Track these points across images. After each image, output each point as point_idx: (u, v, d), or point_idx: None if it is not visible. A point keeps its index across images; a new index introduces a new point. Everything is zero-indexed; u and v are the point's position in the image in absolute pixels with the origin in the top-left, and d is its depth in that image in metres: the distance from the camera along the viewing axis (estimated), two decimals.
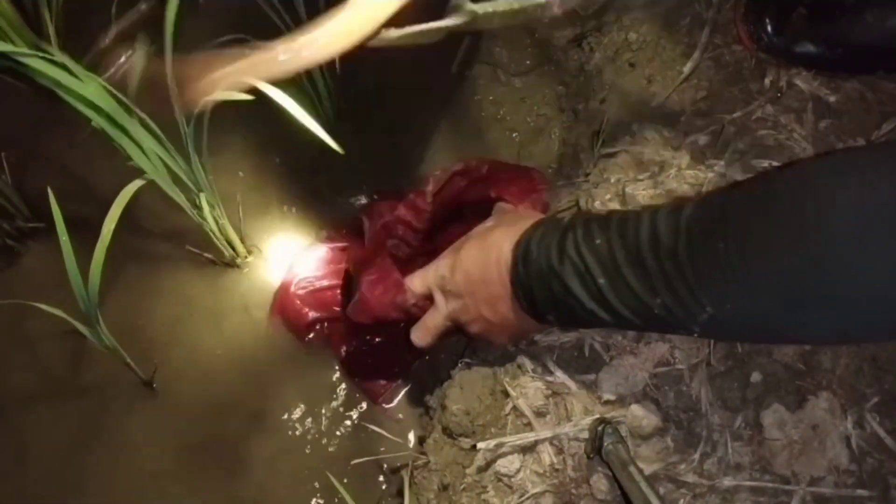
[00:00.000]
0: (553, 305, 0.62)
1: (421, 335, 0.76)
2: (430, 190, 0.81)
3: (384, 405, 0.91)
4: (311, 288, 0.94)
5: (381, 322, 0.78)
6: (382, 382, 0.91)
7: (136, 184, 0.76)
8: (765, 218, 0.48)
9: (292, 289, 0.94)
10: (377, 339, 0.90)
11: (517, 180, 0.84)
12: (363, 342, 0.91)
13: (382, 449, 0.87)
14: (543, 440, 0.67)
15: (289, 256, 0.98)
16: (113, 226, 0.73)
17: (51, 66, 0.69)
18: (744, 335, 0.59)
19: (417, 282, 0.75)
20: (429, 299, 0.74)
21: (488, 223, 0.73)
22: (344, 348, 0.92)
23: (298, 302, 0.93)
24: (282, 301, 0.95)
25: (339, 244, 0.97)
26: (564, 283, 0.59)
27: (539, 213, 0.81)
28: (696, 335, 0.56)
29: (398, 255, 0.84)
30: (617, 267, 0.56)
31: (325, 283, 0.94)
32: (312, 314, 0.93)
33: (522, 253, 0.63)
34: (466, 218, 0.83)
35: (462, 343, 0.88)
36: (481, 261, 0.67)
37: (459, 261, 0.69)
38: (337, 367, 0.93)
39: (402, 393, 0.92)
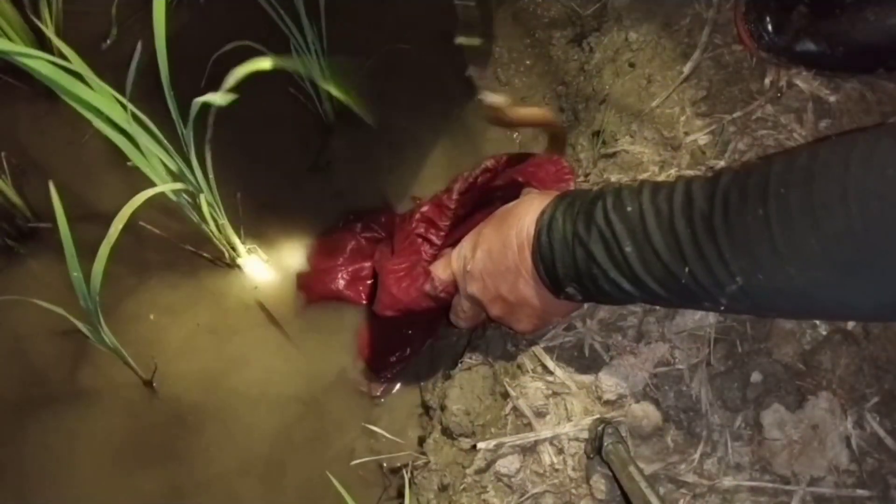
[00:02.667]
0: (575, 276, 0.60)
1: (455, 319, 0.77)
2: (458, 188, 0.80)
3: (386, 380, 0.91)
4: (349, 277, 0.94)
5: (413, 313, 0.78)
6: (392, 359, 0.91)
7: (150, 191, 0.76)
8: (808, 182, 0.46)
9: (332, 276, 0.94)
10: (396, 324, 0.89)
11: (545, 166, 0.83)
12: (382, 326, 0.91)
13: (382, 449, 0.87)
14: (543, 440, 0.67)
15: (317, 241, 0.99)
16: (121, 226, 0.73)
17: (50, 67, 0.68)
18: (773, 307, 0.56)
19: (441, 268, 0.74)
20: (454, 284, 0.74)
21: (513, 203, 0.72)
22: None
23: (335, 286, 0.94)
24: (317, 284, 0.95)
25: (371, 234, 0.97)
26: (588, 251, 0.57)
27: None
28: (722, 308, 0.54)
29: (423, 256, 0.84)
30: (646, 233, 0.54)
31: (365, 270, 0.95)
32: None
33: (547, 220, 0.61)
34: (494, 205, 0.81)
35: (462, 343, 0.88)
36: (502, 234, 0.66)
37: (481, 238, 0.68)
38: (338, 366, 0.93)
39: (401, 389, 0.92)
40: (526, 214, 0.64)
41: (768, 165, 0.50)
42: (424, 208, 0.82)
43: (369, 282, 0.95)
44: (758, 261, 0.48)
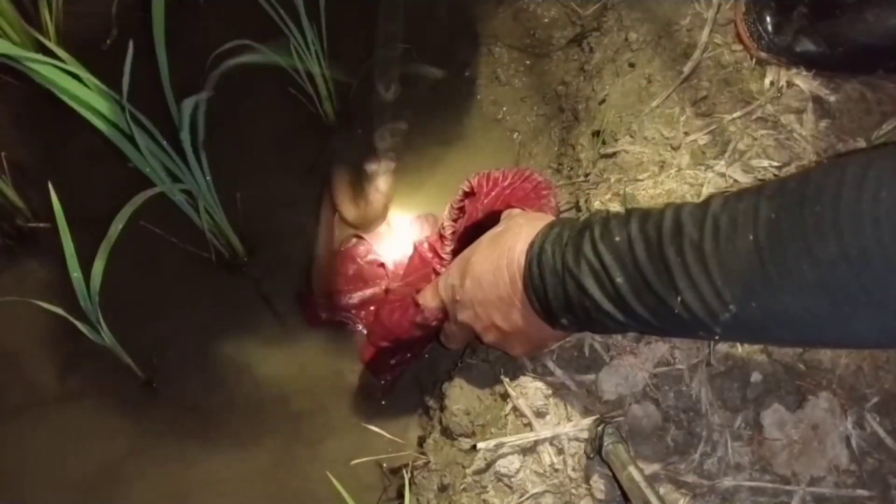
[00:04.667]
0: (568, 308, 0.59)
1: (445, 342, 0.76)
2: (448, 214, 0.81)
3: (387, 383, 0.91)
4: (349, 303, 0.95)
5: (405, 342, 0.79)
6: (392, 362, 0.91)
7: (149, 191, 0.76)
8: (799, 208, 0.45)
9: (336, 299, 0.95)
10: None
11: (520, 185, 0.82)
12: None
13: (382, 449, 0.87)
14: (543, 440, 0.67)
15: (323, 262, 0.99)
16: (120, 226, 0.73)
17: (50, 68, 0.69)
18: (771, 336, 0.55)
19: (429, 297, 0.73)
20: (444, 310, 0.73)
21: (498, 228, 0.70)
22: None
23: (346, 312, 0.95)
24: (317, 308, 0.95)
25: (374, 258, 0.97)
26: (580, 283, 0.56)
27: (551, 215, 0.77)
28: (717, 338, 0.53)
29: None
30: (636, 263, 0.53)
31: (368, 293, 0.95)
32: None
33: (537, 253, 0.60)
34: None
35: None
36: (492, 264, 0.64)
37: (469, 268, 0.67)
38: (338, 366, 0.93)
39: (401, 390, 0.92)
40: (516, 244, 0.63)
41: (758, 191, 0.49)
42: (432, 237, 0.84)
43: (371, 307, 0.95)
44: (751, 289, 0.47)
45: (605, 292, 0.55)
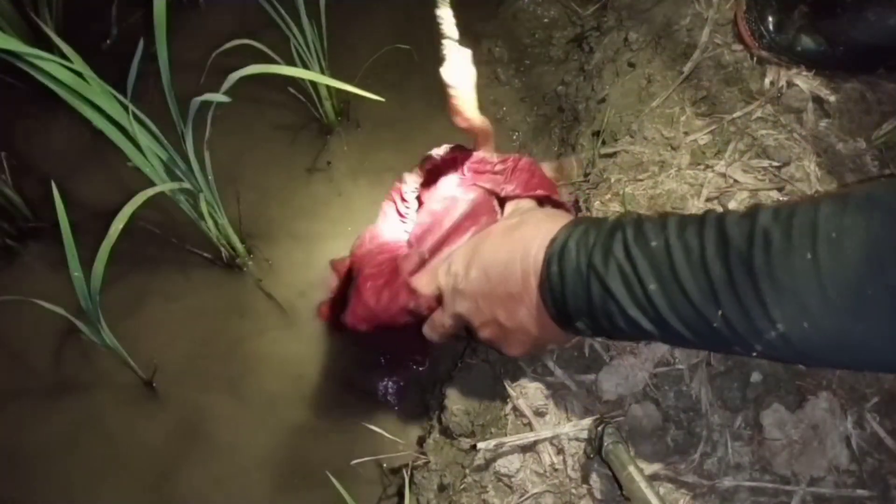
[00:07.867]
0: (587, 311, 0.56)
1: (430, 333, 0.71)
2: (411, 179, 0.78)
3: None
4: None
5: (387, 328, 0.73)
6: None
7: (150, 191, 0.76)
8: (865, 225, 0.42)
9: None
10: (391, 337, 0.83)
11: (526, 171, 0.76)
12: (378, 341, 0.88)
13: (382, 449, 0.87)
14: (543, 440, 0.67)
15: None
16: (121, 226, 0.73)
17: (52, 66, 0.69)
18: (822, 359, 0.50)
19: (425, 281, 0.69)
20: (438, 299, 0.69)
21: (511, 220, 0.66)
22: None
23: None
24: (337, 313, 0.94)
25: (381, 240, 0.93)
26: (605, 286, 0.53)
27: (568, 213, 0.73)
28: (754, 354, 0.50)
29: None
30: (674, 272, 0.50)
31: None
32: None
33: (559, 250, 0.57)
34: (480, 219, 0.74)
35: (462, 343, 0.88)
36: (504, 257, 0.61)
37: (477, 257, 0.63)
38: (338, 367, 0.93)
39: (404, 392, 0.92)
40: (533, 239, 0.60)
41: (815, 206, 0.45)
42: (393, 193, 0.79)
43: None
44: (805, 308, 0.44)
45: (633, 298, 0.53)
